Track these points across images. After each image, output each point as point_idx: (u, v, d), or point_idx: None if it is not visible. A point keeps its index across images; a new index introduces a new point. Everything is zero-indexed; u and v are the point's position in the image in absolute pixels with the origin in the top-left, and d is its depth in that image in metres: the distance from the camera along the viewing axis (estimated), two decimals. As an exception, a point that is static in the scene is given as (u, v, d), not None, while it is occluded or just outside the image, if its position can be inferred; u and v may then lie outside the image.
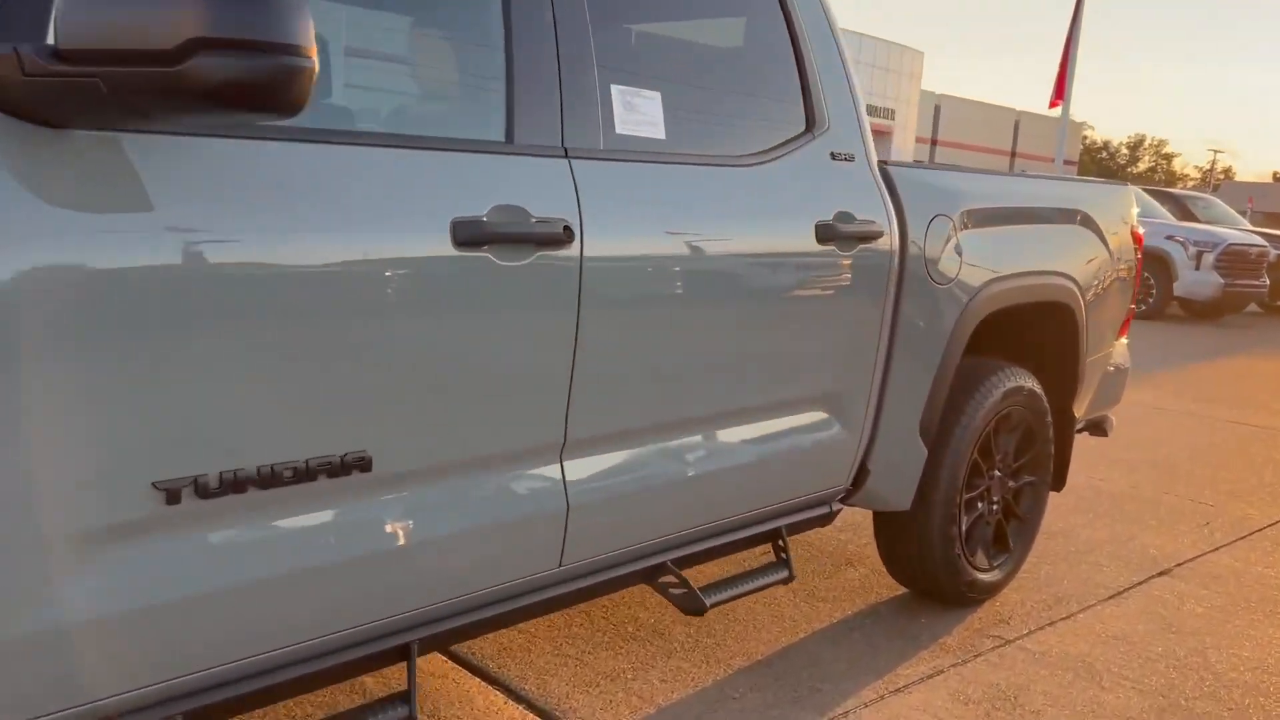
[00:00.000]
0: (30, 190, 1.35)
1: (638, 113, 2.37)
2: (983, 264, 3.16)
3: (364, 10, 2.39)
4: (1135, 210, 4.02)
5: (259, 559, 1.67)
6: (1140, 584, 3.66)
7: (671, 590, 2.53)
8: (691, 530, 2.52)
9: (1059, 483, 3.73)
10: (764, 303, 2.52)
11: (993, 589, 3.45)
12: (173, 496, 1.51)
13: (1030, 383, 3.41)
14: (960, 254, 3.08)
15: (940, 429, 3.14)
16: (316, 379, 1.66)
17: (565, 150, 2.09)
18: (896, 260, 2.84)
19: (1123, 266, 3.82)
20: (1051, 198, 3.66)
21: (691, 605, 2.50)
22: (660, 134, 2.36)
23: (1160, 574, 3.77)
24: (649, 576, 2.50)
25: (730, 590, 2.63)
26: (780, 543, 2.79)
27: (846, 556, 3.74)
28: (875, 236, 2.76)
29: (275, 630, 1.72)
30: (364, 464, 1.75)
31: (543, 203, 1.98)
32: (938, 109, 41.83)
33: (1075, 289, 3.47)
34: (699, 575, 2.65)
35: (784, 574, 2.76)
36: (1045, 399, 3.48)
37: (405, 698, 1.94)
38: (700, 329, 2.36)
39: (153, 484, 1.50)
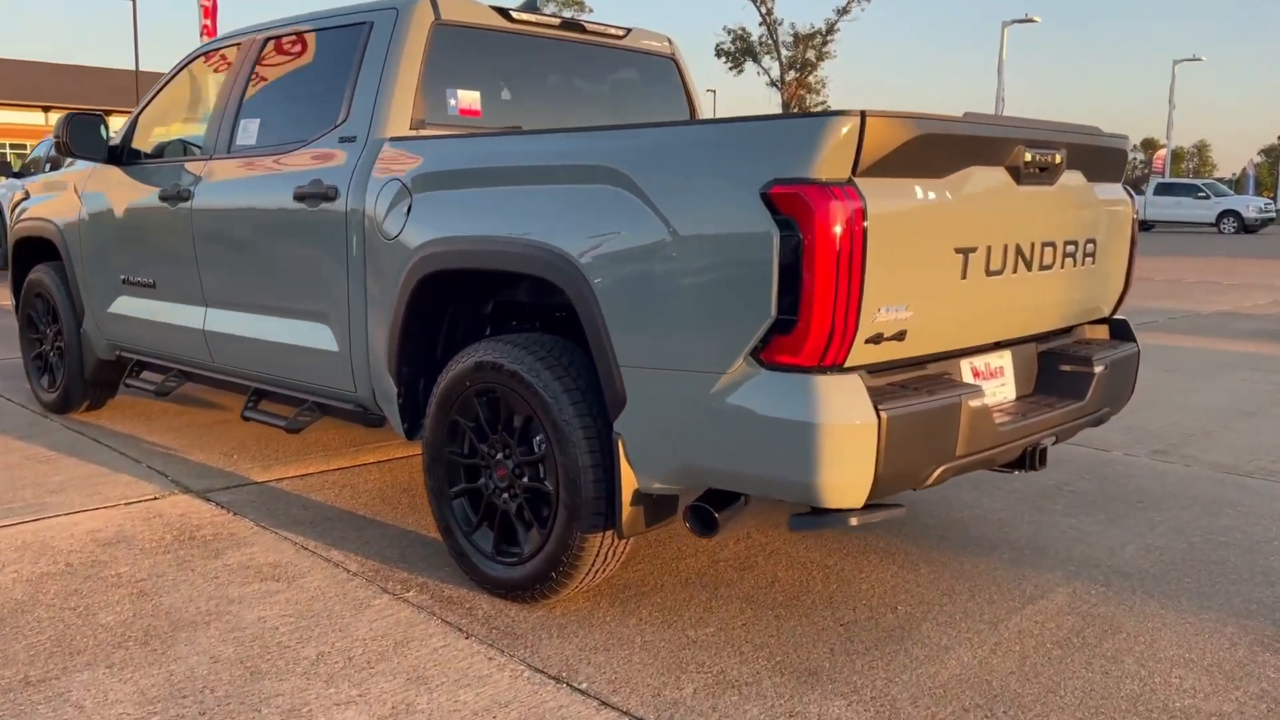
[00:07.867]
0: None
1: (249, 131, 4.64)
2: (426, 226, 3.27)
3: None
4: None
5: None
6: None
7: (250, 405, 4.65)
8: (261, 374, 4.45)
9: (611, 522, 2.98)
10: (266, 237, 4.33)
11: (508, 585, 3.19)
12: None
13: (511, 362, 3.06)
14: (408, 215, 3.34)
15: (406, 377, 3.49)
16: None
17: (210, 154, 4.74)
18: (345, 217, 3.65)
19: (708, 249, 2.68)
20: (556, 154, 3.11)
21: (242, 414, 4.61)
22: (253, 140, 4.59)
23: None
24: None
25: (267, 418, 4.54)
26: (314, 409, 4.32)
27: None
28: (331, 197, 3.76)
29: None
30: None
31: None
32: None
33: (569, 263, 2.88)
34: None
35: (283, 424, 4.37)
36: (555, 393, 3.00)
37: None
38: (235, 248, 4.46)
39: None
